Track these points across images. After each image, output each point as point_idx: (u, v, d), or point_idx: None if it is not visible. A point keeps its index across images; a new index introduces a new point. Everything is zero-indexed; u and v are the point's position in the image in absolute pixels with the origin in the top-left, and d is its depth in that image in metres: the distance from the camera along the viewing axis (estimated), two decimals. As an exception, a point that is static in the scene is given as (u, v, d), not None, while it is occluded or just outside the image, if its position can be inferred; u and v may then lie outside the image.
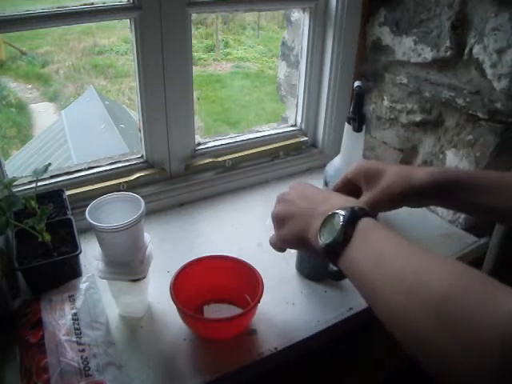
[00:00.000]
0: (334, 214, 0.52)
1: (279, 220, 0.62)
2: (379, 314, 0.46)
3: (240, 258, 0.72)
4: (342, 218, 0.51)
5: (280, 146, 1.10)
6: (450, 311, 0.39)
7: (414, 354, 0.42)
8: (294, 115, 1.15)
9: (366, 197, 0.66)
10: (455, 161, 0.91)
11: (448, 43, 0.86)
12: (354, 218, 0.51)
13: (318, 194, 0.60)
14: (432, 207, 0.98)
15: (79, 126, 3.65)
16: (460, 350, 0.37)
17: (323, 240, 0.52)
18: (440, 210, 0.96)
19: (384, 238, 0.49)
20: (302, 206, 0.58)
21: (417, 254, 0.46)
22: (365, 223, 0.51)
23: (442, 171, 0.64)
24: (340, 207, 0.52)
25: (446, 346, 0.38)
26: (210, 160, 1.01)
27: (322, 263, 0.75)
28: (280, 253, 0.64)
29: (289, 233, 0.60)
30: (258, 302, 0.65)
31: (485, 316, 0.37)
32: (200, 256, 0.72)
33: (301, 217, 0.58)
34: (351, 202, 0.55)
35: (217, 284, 0.73)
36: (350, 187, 0.69)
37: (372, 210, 0.61)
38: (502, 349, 0.35)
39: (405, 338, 0.43)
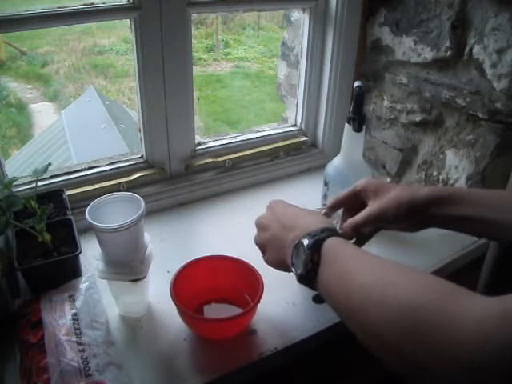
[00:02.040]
0: (299, 244, 0.54)
1: (260, 247, 0.65)
2: (353, 329, 0.47)
3: (240, 258, 0.72)
4: (306, 246, 0.53)
5: (280, 146, 1.10)
6: (420, 319, 0.40)
7: (387, 361, 0.43)
8: (294, 115, 1.15)
9: (374, 205, 0.67)
10: (455, 161, 0.91)
11: (448, 43, 0.86)
12: (317, 243, 0.53)
13: (290, 217, 0.62)
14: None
15: (79, 126, 3.65)
16: (433, 355, 0.38)
17: (297, 271, 0.55)
18: (440, 209, 0.96)
19: (350, 256, 0.51)
20: (275, 234, 0.61)
21: (383, 267, 0.48)
22: (330, 244, 0.53)
23: (444, 187, 0.66)
24: (305, 233, 0.55)
25: (418, 351, 0.39)
26: (210, 160, 1.01)
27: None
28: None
29: (271, 260, 0.63)
30: (258, 301, 0.65)
31: (455, 320, 0.38)
32: (200, 256, 0.72)
33: (275, 246, 0.61)
34: (316, 223, 0.57)
35: (217, 284, 0.73)
36: (354, 200, 0.71)
37: (379, 220, 0.66)
38: (476, 348, 0.36)
39: (376, 348, 0.44)
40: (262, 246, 0.65)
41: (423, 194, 0.65)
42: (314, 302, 0.65)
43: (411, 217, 0.66)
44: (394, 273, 0.47)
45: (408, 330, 0.40)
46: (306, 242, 0.53)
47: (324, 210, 0.73)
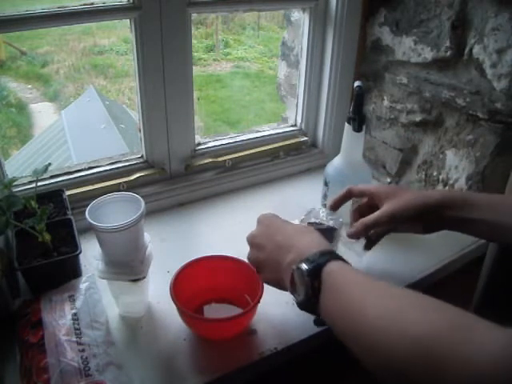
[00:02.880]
0: (298, 269, 0.52)
1: (254, 266, 0.64)
2: (357, 355, 0.46)
3: (240, 258, 0.72)
4: (305, 272, 0.51)
5: (280, 146, 1.10)
6: (433, 352, 0.39)
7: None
8: (294, 115, 1.15)
9: (387, 206, 0.68)
10: (455, 161, 0.91)
11: (448, 43, 0.86)
12: (317, 268, 0.51)
13: (285, 236, 0.60)
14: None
15: (79, 126, 3.65)
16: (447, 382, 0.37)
17: (297, 298, 0.53)
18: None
19: (352, 282, 0.50)
20: (271, 255, 0.60)
21: (387, 295, 0.47)
22: (331, 269, 0.51)
23: (456, 191, 0.68)
24: (302, 258, 0.53)
25: (430, 382, 0.38)
26: (210, 160, 1.01)
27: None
28: None
29: (269, 280, 0.62)
30: (258, 302, 0.65)
31: (469, 354, 0.37)
32: (200, 256, 0.72)
33: (272, 267, 0.60)
34: (313, 245, 0.55)
35: (217, 284, 0.73)
36: (365, 205, 0.73)
37: (391, 221, 0.68)
38: (490, 382, 0.35)
39: (382, 372, 0.43)
40: (258, 265, 0.63)
41: (436, 197, 0.67)
42: (315, 325, 0.62)
43: (423, 219, 0.68)
44: (399, 301, 0.46)
45: (418, 361, 0.39)
46: (304, 267, 0.51)
47: (329, 203, 0.75)
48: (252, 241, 0.64)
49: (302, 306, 0.53)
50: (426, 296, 0.45)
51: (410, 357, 0.40)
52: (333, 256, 0.53)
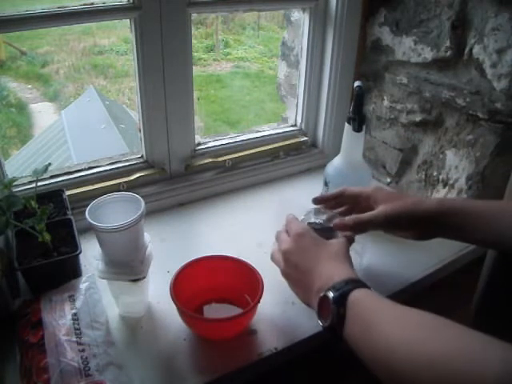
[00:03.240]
0: (325, 297, 0.55)
1: (286, 279, 0.65)
2: (379, 377, 0.48)
3: (240, 257, 0.72)
4: (331, 299, 0.53)
5: (280, 146, 1.10)
6: (448, 376, 0.41)
7: None
8: (294, 115, 1.15)
9: (383, 208, 0.68)
10: (455, 161, 0.91)
11: (448, 43, 0.86)
12: (342, 296, 0.53)
13: (316, 260, 0.62)
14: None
15: (79, 126, 3.65)
16: None
17: (323, 323, 0.55)
18: (440, 209, 0.96)
19: (375, 311, 0.52)
20: (303, 277, 0.62)
21: (411, 322, 0.49)
22: (356, 297, 0.53)
23: (453, 199, 0.68)
24: (329, 286, 0.55)
25: None
26: (210, 160, 1.01)
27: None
28: None
29: (300, 299, 0.64)
30: (258, 302, 0.65)
31: (477, 376, 0.39)
32: (200, 256, 0.72)
33: (303, 289, 0.62)
34: (342, 273, 0.57)
35: (217, 284, 0.73)
36: (359, 204, 0.73)
37: (386, 223, 0.68)
38: None
39: None
40: (291, 281, 0.65)
41: (434, 205, 0.67)
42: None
43: (421, 226, 0.69)
44: (422, 328, 0.47)
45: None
46: (331, 295, 0.54)
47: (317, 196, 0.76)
48: (287, 257, 0.64)
49: (328, 331, 0.55)
50: (451, 322, 0.46)
51: (426, 381, 0.43)
52: (358, 284, 0.55)
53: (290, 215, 0.71)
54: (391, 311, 0.51)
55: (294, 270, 0.63)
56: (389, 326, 0.49)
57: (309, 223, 0.75)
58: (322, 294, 0.55)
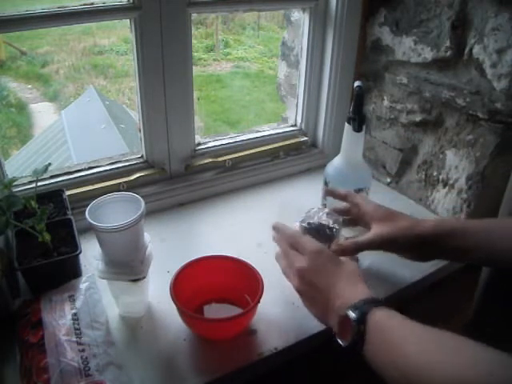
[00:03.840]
0: (345, 316, 0.56)
1: (300, 295, 0.65)
2: None
3: (240, 257, 0.72)
4: (352, 319, 0.54)
5: (280, 146, 1.10)
6: None
7: None
8: (294, 115, 1.15)
9: (379, 230, 0.70)
10: (455, 161, 0.91)
11: (448, 43, 0.86)
12: (363, 315, 0.54)
13: (334, 279, 0.62)
14: (432, 207, 0.98)
15: (79, 126, 3.65)
16: None
17: (344, 342, 0.57)
18: (440, 210, 0.96)
19: (394, 329, 0.53)
20: (320, 296, 0.62)
21: (430, 340, 0.50)
22: (375, 316, 0.54)
23: (448, 219, 0.69)
24: (351, 305, 0.56)
25: None
26: (210, 160, 1.01)
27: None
28: None
29: (313, 314, 0.64)
30: (258, 301, 0.65)
31: None
32: (200, 256, 0.72)
33: (319, 307, 0.63)
34: (363, 292, 0.58)
35: (217, 284, 0.73)
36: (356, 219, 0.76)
37: (382, 246, 0.70)
38: None
39: None
40: (306, 298, 0.65)
41: (429, 228, 0.68)
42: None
43: (417, 249, 0.70)
44: (440, 348, 0.48)
45: None
46: (351, 314, 0.55)
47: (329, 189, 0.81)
48: (303, 274, 0.64)
49: (348, 349, 0.56)
50: (467, 340, 0.47)
51: None
52: (378, 303, 0.56)
53: (279, 223, 0.72)
54: (411, 331, 0.52)
55: (310, 287, 0.63)
56: (409, 347, 0.50)
57: (309, 223, 0.75)
58: (342, 313, 0.56)
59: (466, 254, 0.67)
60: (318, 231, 0.74)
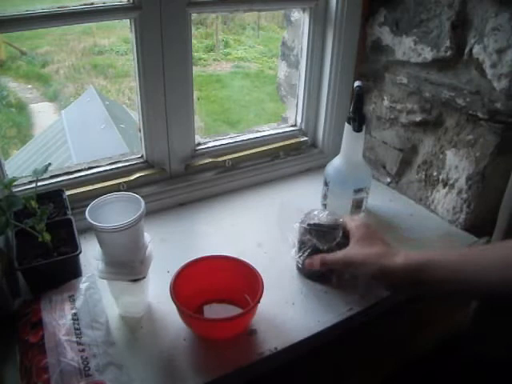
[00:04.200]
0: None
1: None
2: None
3: (240, 257, 0.72)
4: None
5: (280, 146, 1.10)
6: None
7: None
8: (294, 115, 1.15)
9: (351, 252, 0.71)
10: (455, 161, 0.91)
11: (448, 43, 0.86)
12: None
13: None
14: (432, 207, 0.98)
15: (79, 126, 3.66)
16: None
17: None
18: (440, 209, 0.96)
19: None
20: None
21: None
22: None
23: (421, 253, 0.68)
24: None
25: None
26: (210, 160, 1.01)
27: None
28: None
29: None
30: (258, 302, 0.65)
31: None
32: (200, 256, 0.72)
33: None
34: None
35: (217, 284, 0.73)
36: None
37: (347, 268, 0.73)
38: None
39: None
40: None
41: (400, 265, 0.65)
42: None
43: (384, 278, 0.68)
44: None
45: None
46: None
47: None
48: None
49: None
50: None
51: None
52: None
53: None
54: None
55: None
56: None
57: (309, 224, 0.75)
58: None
59: (440, 288, 0.64)
60: (317, 232, 0.74)
